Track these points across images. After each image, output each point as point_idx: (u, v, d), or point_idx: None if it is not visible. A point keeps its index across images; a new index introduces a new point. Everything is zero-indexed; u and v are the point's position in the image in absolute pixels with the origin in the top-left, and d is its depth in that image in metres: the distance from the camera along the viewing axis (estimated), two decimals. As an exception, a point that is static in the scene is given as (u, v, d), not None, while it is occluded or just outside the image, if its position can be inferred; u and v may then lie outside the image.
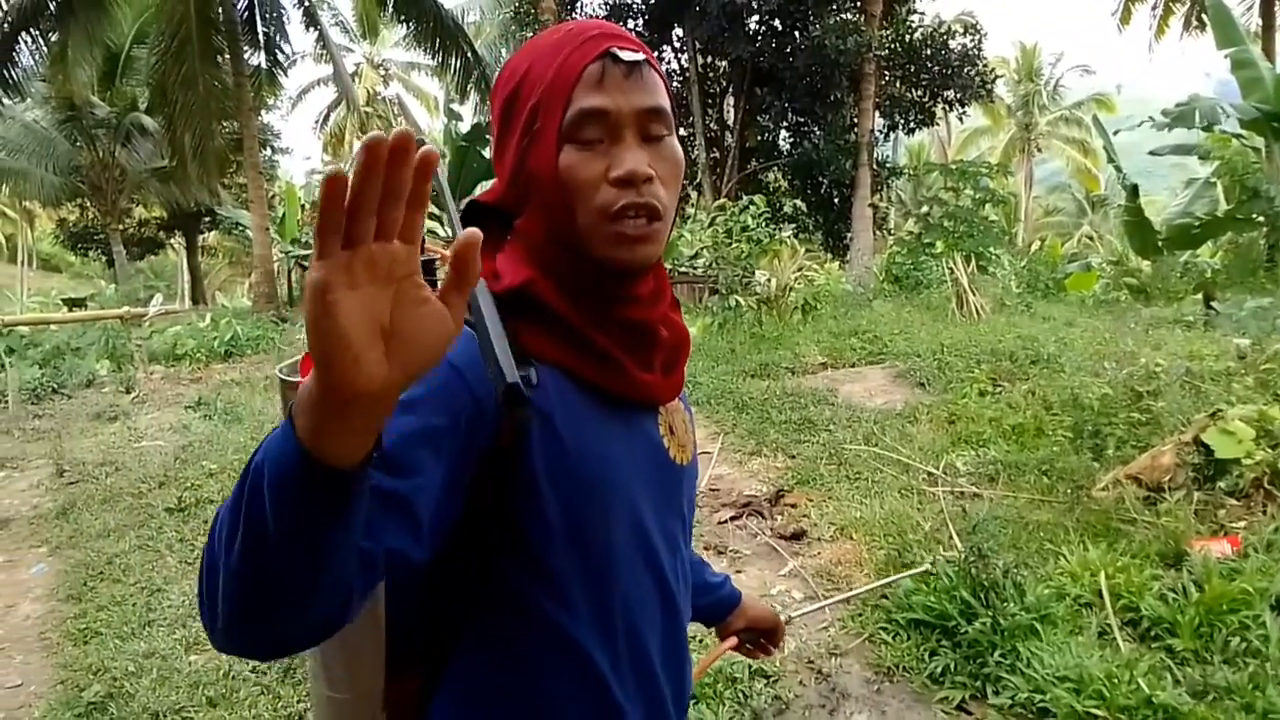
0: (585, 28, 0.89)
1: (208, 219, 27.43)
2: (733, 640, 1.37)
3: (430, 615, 0.91)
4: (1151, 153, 15.17)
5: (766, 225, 11.88)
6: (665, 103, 0.89)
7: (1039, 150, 40.44)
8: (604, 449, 0.90)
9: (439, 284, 0.91)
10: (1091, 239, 31.49)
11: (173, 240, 31.75)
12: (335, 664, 0.97)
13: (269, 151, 29.15)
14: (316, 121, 38.51)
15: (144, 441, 7.51)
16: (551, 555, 0.87)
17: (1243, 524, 3.96)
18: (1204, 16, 19.56)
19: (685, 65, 20.02)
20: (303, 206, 23.64)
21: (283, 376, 1.19)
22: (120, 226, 24.81)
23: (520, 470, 0.84)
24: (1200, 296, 10.06)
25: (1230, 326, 7.88)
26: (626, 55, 0.87)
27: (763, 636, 1.41)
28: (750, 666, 3.29)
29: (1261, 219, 12.22)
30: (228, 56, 17.37)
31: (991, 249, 14.40)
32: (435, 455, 0.77)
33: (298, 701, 3.29)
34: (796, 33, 18.06)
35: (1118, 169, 13.74)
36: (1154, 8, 23.48)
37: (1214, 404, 4.74)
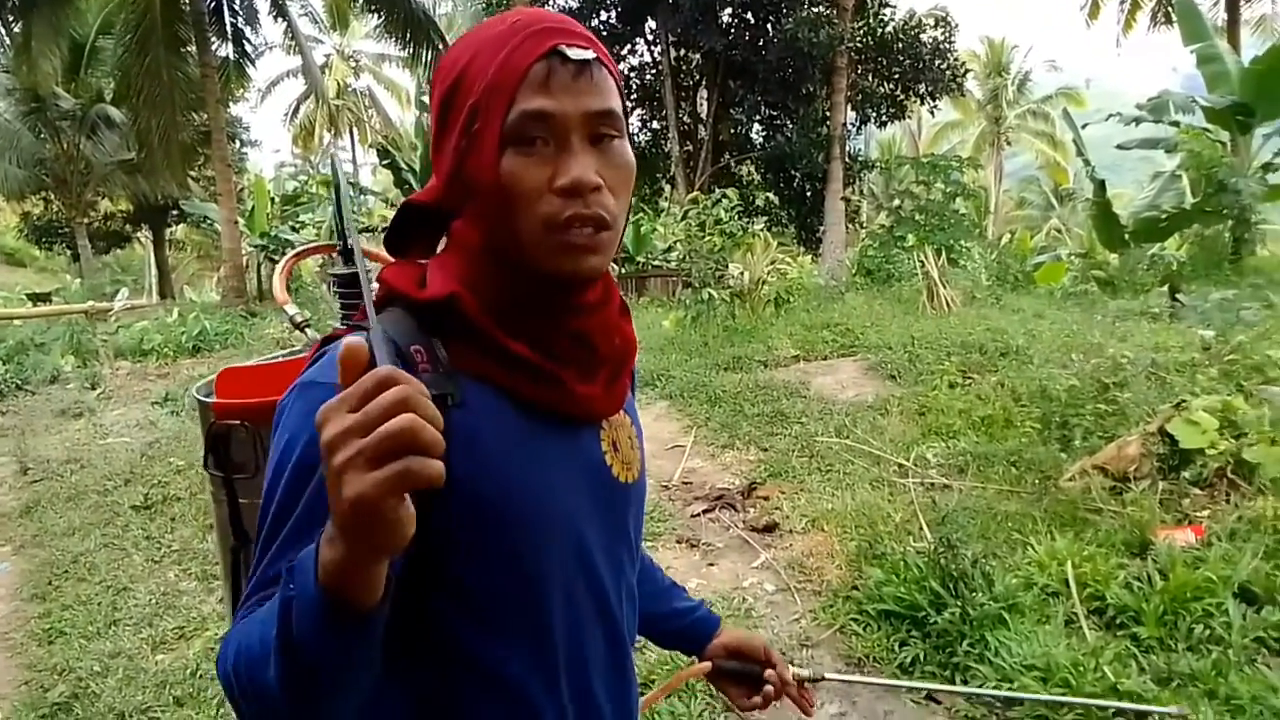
0: (531, 19, 0.82)
1: (175, 212, 27.08)
2: (707, 665, 1.26)
3: None
4: (1119, 146, 15.34)
5: (739, 218, 11.90)
6: (616, 104, 0.83)
7: (1008, 144, 40.78)
8: (537, 469, 0.85)
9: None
10: (1060, 232, 31.81)
11: (139, 234, 31.32)
12: None
13: (237, 144, 28.83)
14: (286, 114, 38.15)
15: (110, 438, 7.42)
16: (481, 586, 0.82)
17: (1206, 513, 4.01)
18: (1170, 11, 19.82)
19: (658, 58, 20.01)
20: (272, 200, 23.43)
21: (199, 398, 1.16)
22: (85, 220, 24.47)
23: (440, 496, 0.73)
24: (1166, 289, 10.19)
25: (1195, 318, 8.00)
26: (575, 54, 0.80)
27: (751, 664, 1.26)
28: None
29: (1227, 212, 12.40)
30: (194, 48, 17.16)
31: (962, 242, 14.51)
32: None
33: None
34: (769, 25, 18.12)
35: (1087, 163, 13.90)
36: (1122, 2, 23.73)
37: (1179, 395, 4.80)
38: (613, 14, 19.39)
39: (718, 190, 12.12)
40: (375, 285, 0.90)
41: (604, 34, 19.25)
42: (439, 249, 0.93)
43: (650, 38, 20.08)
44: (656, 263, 20.71)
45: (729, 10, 18.34)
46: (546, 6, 18.94)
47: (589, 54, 0.81)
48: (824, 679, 1.34)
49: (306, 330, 1.40)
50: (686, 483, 5.64)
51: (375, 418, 0.56)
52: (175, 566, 4.67)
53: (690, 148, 20.35)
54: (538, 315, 0.86)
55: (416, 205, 0.89)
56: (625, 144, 0.85)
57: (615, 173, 0.83)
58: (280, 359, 1.32)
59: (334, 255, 1.25)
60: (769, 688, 1.23)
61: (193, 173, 23.21)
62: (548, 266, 0.82)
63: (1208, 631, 3.08)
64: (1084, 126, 14.33)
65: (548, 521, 0.85)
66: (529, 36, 0.80)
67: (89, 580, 4.54)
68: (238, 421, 1.02)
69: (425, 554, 0.78)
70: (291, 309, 1.43)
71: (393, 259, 0.91)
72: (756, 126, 20.16)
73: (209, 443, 1.05)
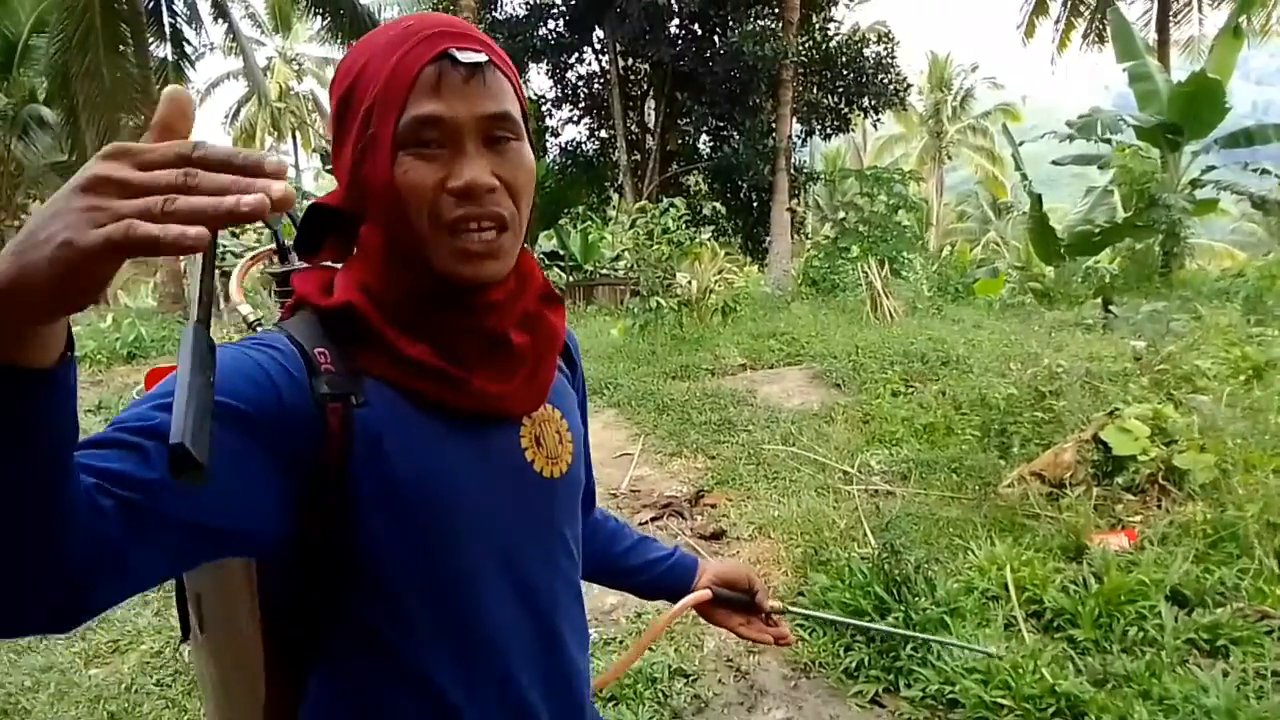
0: (424, 24, 0.83)
1: (110, 215, 26.35)
2: (706, 593, 1.26)
3: (282, 640, 0.89)
4: (1054, 162, 15.76)
5: (687, 228, 11.97)
6: (512, 106, 0.83)
7: (949, 158, 41.64)
8: (445, 470, 0.85)
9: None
10: (998, 244, 32.54)
11: (72, 237, 30.39)
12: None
13: (176, 146, 28.17)
14: (226, 116, 37.40)
15: (40, 447, 7.18)
16: (391, 582, 0.83)
17: (1139, 518, 4.13)
18: (1103, 31, 20.43)
19: (606, 67, 20.05)
20: (212, 204, 22.91)
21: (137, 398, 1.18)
22: (15, 223, 23.67)
23: (346, 494, 0.80)
24: (1099, 301, 10.45)
25: (1127, 329, 8.21)
26: (466, 57, 0.80)
27: (739, 591, 1.30)
28: (670, 667, 3.30)
29: (1157, 226, 12.78)
30: (132, 47, 16.77)
31: (904, 253, 14.76)
32: (231, 432, 0.71)
33: (204, 716, 3.18)
34: (716, 37, 18.28)
35: (1024, 177, 14.23)
36: (1056, 22, 24.39)
37: (1112, 403, 4.93)
38: (560, 23, 19.39)
39: (665, 199, 12.17)
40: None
41: (551, 42, 19.25)
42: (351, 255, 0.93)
43: (598, 47, 20.12)
44: (604, 271, 20.75)
45: (676, 21, 18.45)
46: (494, 14, 18.90)
47: (481, 57, 0.81)
48: (788, 610, 1.40)
49: (259, 329, 1.46)
50: (634, 490, 5.64)
51: (165, 184, 0.50)
52: (109, 579, 4.54)
53: (638, 157, 20.41)
54: (441, 316, 0.86)
55: (324, 208, 0.88)
56: (524, 146, 0.85)
57: (513, 174, 0.84)
58: None
59: (272, 258, 1.27)
60: (764, 615, 1.31)
61: (128, 175, 22.59)
62: (447, 271, 0.82)
63: (1141, 633, 3.16)
64: (1020, 143, 14.69)
65: (459, 519, 0.86)
66: (421, 41, 0.80)
67: (17, 594, 4.39)
68: None
69: (343, 555, 0.81)
70: (245, 309, 1.45)
71: (306, 263, 0.92)
72: (704, 137, 20.29)
73: None
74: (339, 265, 0.91)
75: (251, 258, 1.74)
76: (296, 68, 40.00)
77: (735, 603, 1.30)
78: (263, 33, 32.78)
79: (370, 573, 0.82)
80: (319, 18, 19.12)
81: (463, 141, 0.80)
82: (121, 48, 16.70)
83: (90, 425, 7.72)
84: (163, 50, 18.39)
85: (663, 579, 1.28)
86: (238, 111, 37.23)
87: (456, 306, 0.86)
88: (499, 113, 0.82)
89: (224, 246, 19.78)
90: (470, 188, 0.80)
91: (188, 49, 19.47)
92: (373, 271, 0.86)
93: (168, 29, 18.29)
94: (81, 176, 0.50)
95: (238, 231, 21.44)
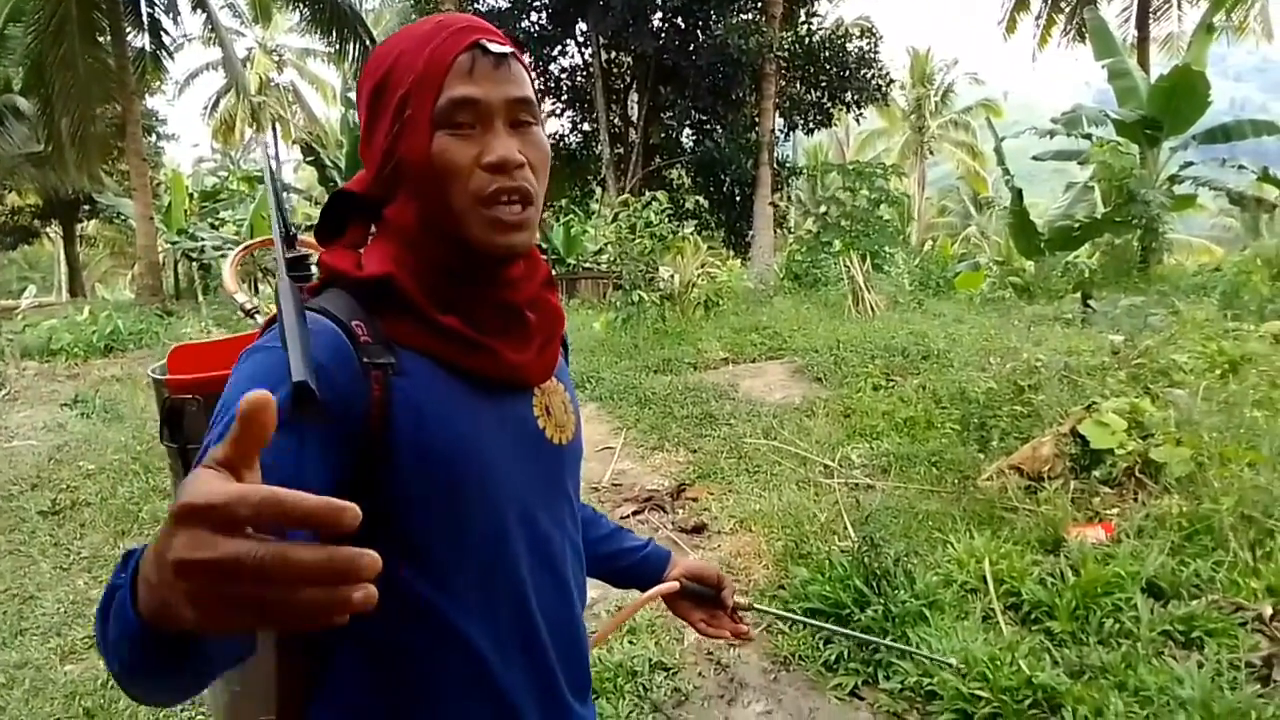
0: (453, 20, 0.92)
1: (87, 207, 26.13)
2: (675, 584, 1.31)
3: None
4: (1034, 158, 15.87)
5: (669, 221, 11.96)
6: (532, 95, 0.93)
7: (931, 153, 41.79)
8: (475, 433, 0.91)
9: (311, 278, 0.95)
10: (979, 239, 32.72)
11: (49, 229, 30.13)
12: None
13: (154, 137, 27.96)
14: (205, 108, 36.99)
15: (15, 441, 7.11)
16: (430, 541, 0.88)
17: (1116, 511, 4.16)
18: (1083, 28, 20.55)
19: (589, 60, 19.99)
20: (190, 196, 22.74)
21: (154, 376, 1.18)
22: (-10, 213, 23.44)
23: (389, 459, 0.85)
24: (1078, 295, 10.53)
25: (1105, 324, 8.26)
26: (495, 47, 0.90)
27: (707, 587, 1.34)
28: (650, 660, 3.31)
29: (1136, 222, 12.89)
30: (109, 37, 16.58)
31: (886, 248, 14.81)
32: (299, 442, 0.77)
33: (180, 710, 3.16)
34: (699, 31, 18.25)
35: (1006, 172, 14.31)
36: (1037, 18, 24.54)
37: (1090, 397, 4.97)
38: (543, 15, 19.33)
39: (648, 193, 12.16)
40: (314, 270, 0.96)
41: (534, 35, 19.18)
42: (369, 238, 0.98)
43: (581, 40, 20.06)
44: (587, 265, 20.74)
45: (660, 15, 18.42)
46: (476, 6, 18.80)
47: (507, 48, 0.91)
48: (753, 607, 1.44)
49: (255, 317, 1.47)
50: (616, 484, 5.64)
51: (254, 567, 0.46)
52: (85, 574, 4.50)
53: (621, 150, 20.37)
54: (468, 289, 0.93)
55: (347, 194, 0.96)
56: (542, 131, 0.95)
57: (535, 152, 0.92)
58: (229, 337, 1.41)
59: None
60: (730, 612, 1.35)
61: (106, 166, 22.42)
62: (480, 241, 0.90)
63: (1117, 625, 3.18)
64: (1002, 139, 14.77)
65: (488, 479, 0.92)
66: (453, 33, 0.90)
67: (-9, 589, 4.35)
68: (190, 396, 1.08)
69: (378, 514, 0.82)
70: (241, 297, 1.49)
71: (322, 248, 0.97)
72: (687, 131, 20.29)
73: (163, 417, 1.11)
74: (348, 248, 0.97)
75: (244, 248, 1.77)
76: (277, 59, 39.63)
77: (702, 597, 1.35)
78: (242, 23, 32.56)
79: (406, 529, 0.87)
80: (299, 8, 18.94)
81: (493, 121, 0.89)
82: (98, 37, 16.51)
83: (66, 419, 7.66)
84: (140, 40, 18.19)
85: (636, 569, 1.33)
86: (216, 102, 36.84)
87: (480, 281, 0.94)
88: (523, 97, 0.91)
89: (203, 241, 19.63)
90: (503, 162, 0.88)
91: (165, 39, 19.27)
92: (403, 247, 0.92)
93: (145, 19, 18.08)
94: (171, 554, 0.48)
95: (216, 224, 21.32)
